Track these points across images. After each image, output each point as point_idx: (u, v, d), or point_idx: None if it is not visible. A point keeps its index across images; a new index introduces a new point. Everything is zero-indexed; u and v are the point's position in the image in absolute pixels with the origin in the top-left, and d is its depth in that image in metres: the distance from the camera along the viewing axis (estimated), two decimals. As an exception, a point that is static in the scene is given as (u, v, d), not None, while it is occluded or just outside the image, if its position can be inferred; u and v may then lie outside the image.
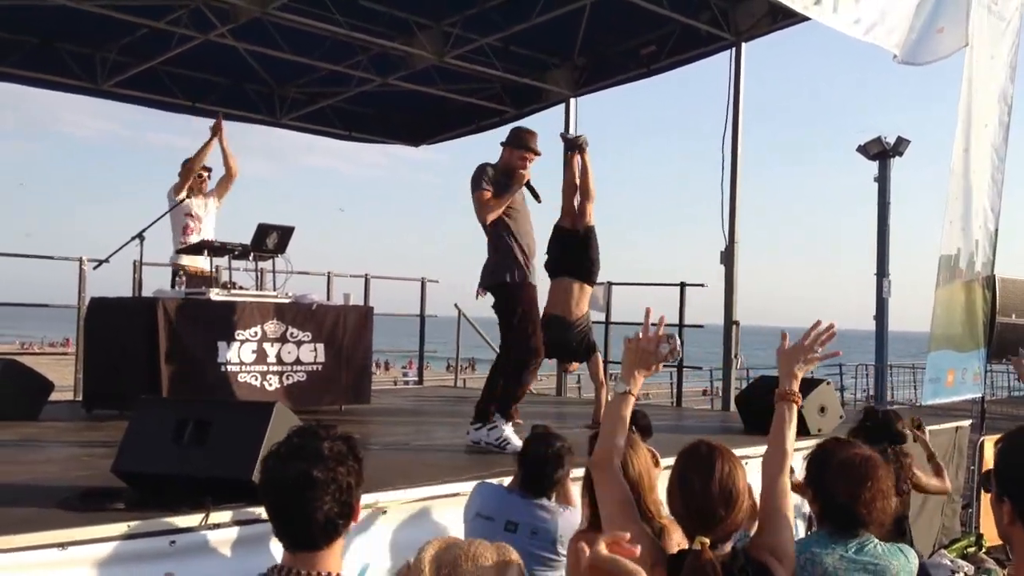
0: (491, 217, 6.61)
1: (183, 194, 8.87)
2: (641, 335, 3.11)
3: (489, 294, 6.75)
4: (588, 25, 11.02)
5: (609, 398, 6.09)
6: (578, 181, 8.24)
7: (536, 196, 6.95)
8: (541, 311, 7.15)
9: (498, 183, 6.67)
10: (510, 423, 6.56)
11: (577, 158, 8.28)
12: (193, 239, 8.73)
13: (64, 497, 4.28)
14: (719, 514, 2.75)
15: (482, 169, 6.68)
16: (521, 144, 6.82)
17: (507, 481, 4.70)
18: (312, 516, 2.32)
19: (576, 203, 8.25)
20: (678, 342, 3.16)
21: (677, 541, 3.25)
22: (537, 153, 6.89)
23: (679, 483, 2.83)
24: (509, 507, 4.28)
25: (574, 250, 8.18)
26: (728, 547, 2.77)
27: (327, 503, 2.32)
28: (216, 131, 9.12)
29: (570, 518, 4.22)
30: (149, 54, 11.17)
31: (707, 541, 2.67)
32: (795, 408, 3.16)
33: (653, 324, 3.13)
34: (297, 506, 2.33)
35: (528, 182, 6.78)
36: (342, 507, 2.35)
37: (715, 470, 2.79)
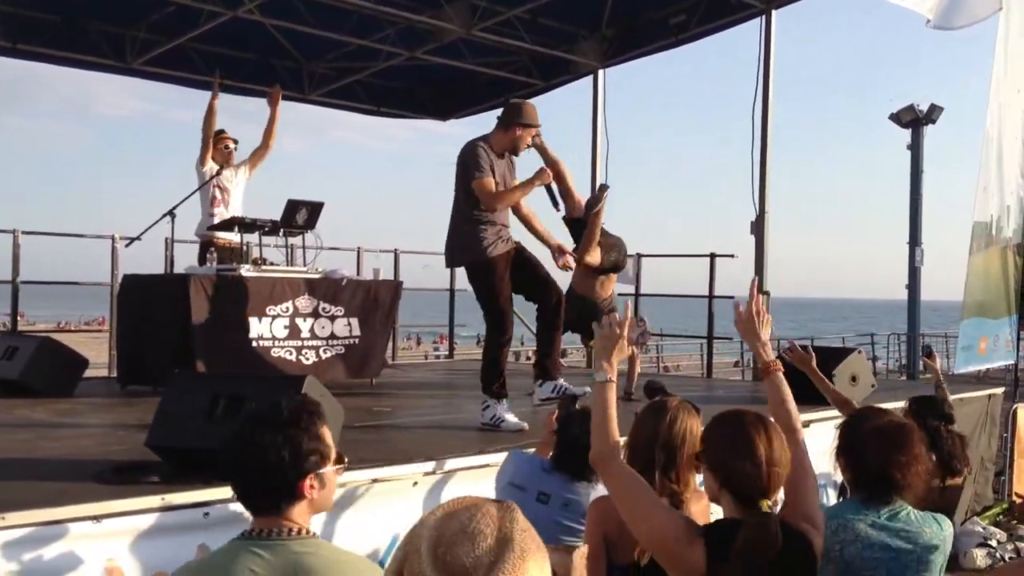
0: (499, 208, 6.49)
1: (208, 164, 8.84)
2: (617, 322, 3.06)
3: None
4: (616, -5, 10.94)
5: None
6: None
7: (556, 203, 6.80)
8: (565, 287, 7.11)
9: (496, 165, 6.50)
10: (504, 400, 6.48)
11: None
12: (220, 210, 8.75)
13: (99, 471, 4.34)
14: (781, 475, 2.76)
15: (477, 150, 6.44)
16: (531, 121, 6.61)
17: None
18: (266, 474, 2.40)
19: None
20: (647, 325, 3.18)
21: (697, 512, 3.26)
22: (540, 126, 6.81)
23: (740, 448, 2.76)
24: (542, 479, 4.26)
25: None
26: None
27: (280, 466, 2.39)
28: (274, 103, 9.19)
29: (601, 492, 4.22)
30: (177, 31, 11.19)
31: (771, 504, 2.68)
32: (780, 375, 3.17)
33: (619, 314, 3.11)
34: (252, 469, 2.41)
35: (549, 186, 6.68)
36: (294, 470, 2.41)
37: (771, 435, 2.79)
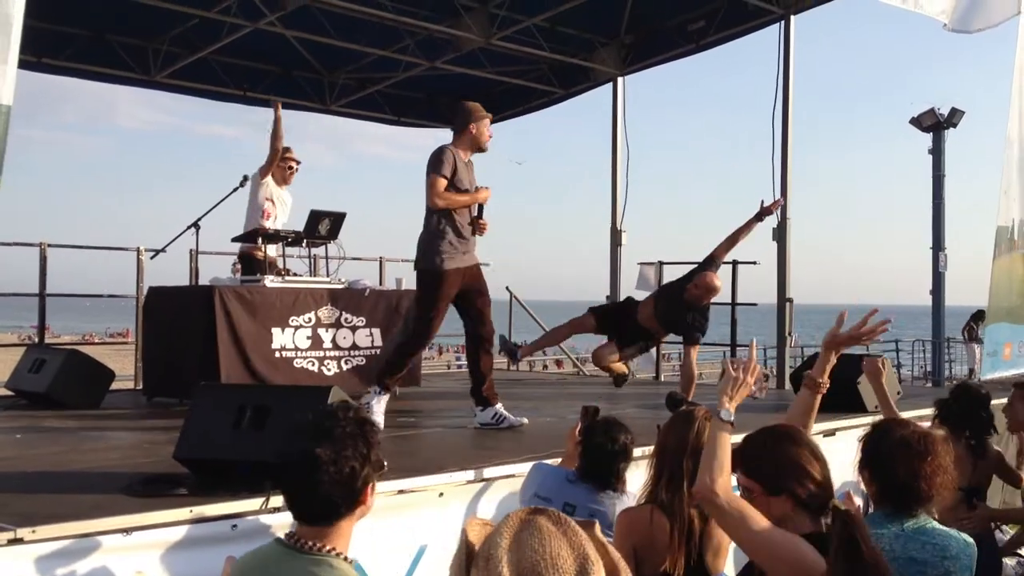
0: (440, 205, 6.61)
1: (268, 178, 8.86)
2: (745, 366, 3.03)
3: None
4: (634, 2, 10.97)
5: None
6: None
7: (478, 223, 6.84)
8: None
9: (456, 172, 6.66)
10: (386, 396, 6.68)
11: None
12: (268, 223, 8.76)
13: (127, 483, 4.37)
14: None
15: (443, 153, 6.64)
16: (480, 113, 6.78)
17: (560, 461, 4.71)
18: (313, 493, 2.40)
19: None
20: (771, 380, 3.21)
21: None
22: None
23: (804, 471, 2.84)
24: (567, 490, 4.26)
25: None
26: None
27: (325, 483, 2.39)
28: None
29: (627, 503, 4.22)
30: (200, 44, 11.28)
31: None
32: (819, 398, 3.26)
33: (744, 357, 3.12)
34: (299, 482, 2.42)
35: (481, 206, 6.83)
36: (343, 489, 2.42)
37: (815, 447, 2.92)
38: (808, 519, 2.79)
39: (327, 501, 2.42)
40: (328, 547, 2.44)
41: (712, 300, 8.13)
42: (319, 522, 2.44)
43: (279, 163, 8.97)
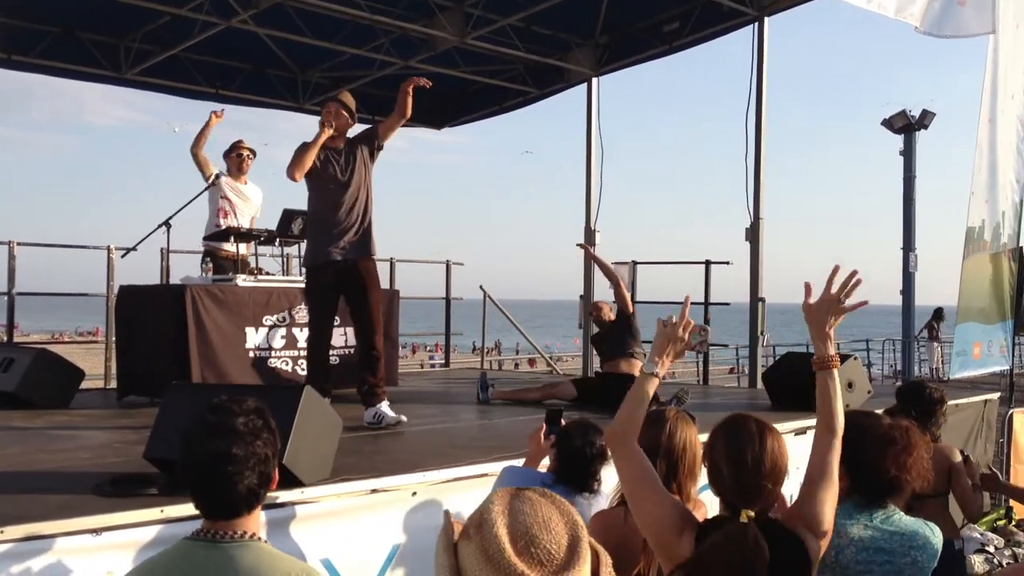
0: (293, 174, 6.65)
1: (212, 172, 8.79)
2: (677, 319, 3.04)
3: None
4: (609, 3, 10.99)
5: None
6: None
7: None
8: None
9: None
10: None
11: None
12: (225, 221, 8.73)
13: (97, 483, 4.33)
14: (766, 487, 2.75)
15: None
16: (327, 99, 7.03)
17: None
18: (234, 489, 2.43)
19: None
20: (709, 334, 3.15)
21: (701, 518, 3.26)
22: (340, 102, 7.00)
23: (728, 455, 2.80)
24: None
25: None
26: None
27: (247, 476, 2.43)
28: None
29: (601, 504, 4.21)
30: (172, 42, 11.22)
31: (752, 514, 2.68)
32: (835, 373, 3.00)
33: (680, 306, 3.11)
34: (219, 481, 2.42)
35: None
36: (261, 477, 2.47)
37: (766, 444, 2.79)
38: (703, 513, 2.90)
39: (248, 495, 2.45)
40: (249, 533, 2.45)
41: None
42: (236, 515, 2.46)
43: (233, 156, 8.96)
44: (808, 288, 3.05)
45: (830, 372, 3.01)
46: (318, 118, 6.90)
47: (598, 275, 12.61)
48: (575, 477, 4.11)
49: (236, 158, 8.99)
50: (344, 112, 6.87)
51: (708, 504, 3.61)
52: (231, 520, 2.45)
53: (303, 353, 8.08)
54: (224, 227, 8.57)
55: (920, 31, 7.98)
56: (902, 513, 3.31)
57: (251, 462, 2.44)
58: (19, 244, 9.70)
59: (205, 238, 8.64)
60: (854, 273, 3.03)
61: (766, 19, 10.64)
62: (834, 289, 3.00)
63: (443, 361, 16.07)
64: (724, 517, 2.77)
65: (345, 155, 6.85)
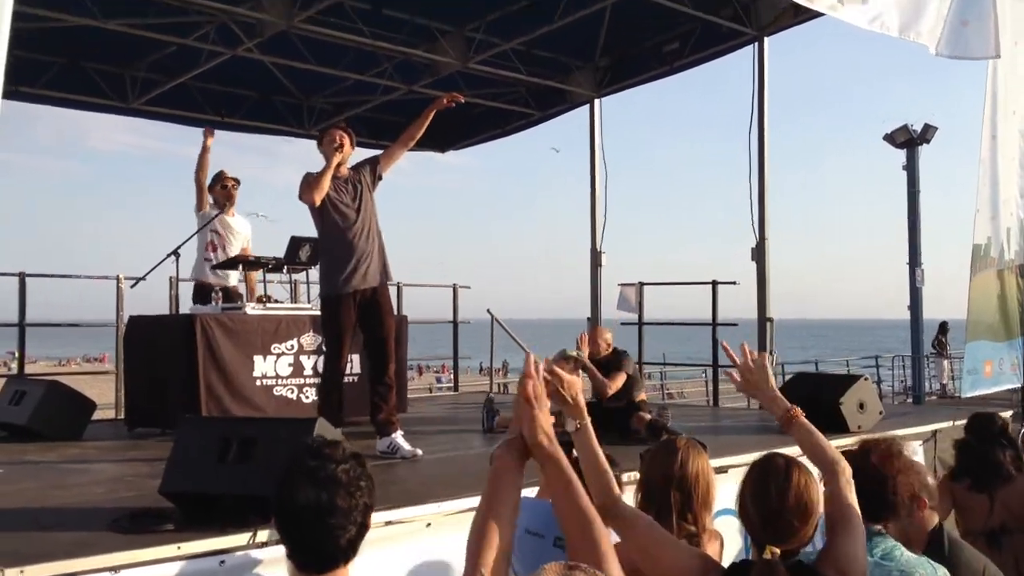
0: (314, 198, 6.62)
1: (206, 208, 8.73)
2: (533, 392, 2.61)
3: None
4: (610, 26, 11.03)
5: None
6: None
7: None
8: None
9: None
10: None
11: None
12: (215, 255, 8.68)
13: (114, 519, 4.33)
14: (793, 525, 2.76)
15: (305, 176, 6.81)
16: (326, 128, 7.04)
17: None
18: (336, 544, 2.34)
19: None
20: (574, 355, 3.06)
21: (711, 554, 3.25)
22: (343, 129, 7.01)
23: (754, 493, 2.82)
24: (558, 524, 4.21)
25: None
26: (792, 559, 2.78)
27: (349, 530, 2.35)
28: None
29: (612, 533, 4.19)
30: (178, 71, 11.29)
31: (778, 552, 2.68)
32: (802, 420, 3.12)
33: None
34: (321, 534, 2.34)
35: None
36: (360, 528, 2.39)
37: (791, 481, 2.80)
38: (717, 546, 3.01)
39: (347, 548, 2.37)
40: None
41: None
42: (332, 568, 2.38)
43: (218, 189, 8.83)
44: (730, 374, 3.32)
45: (798, 424, 3.11)
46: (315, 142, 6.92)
47: (605, 293, 12.65)
48: None
49: (222, 190, 8.85)
50: (347, 138, 6.88)
51: (724, 533, 3.61)
52: (324, 574, 2.37)
53: (308, 381, 8.10)
54: (214, 261, 8.54)
55: (932, 53, 7.97)
56: (903, 549, 3.29)
57: (353, 515, 2.35)
58: (28, 275, 9.74)
59: (213, 267, 8.62)
60: (742, 345, 3.33)
61: (766, 39, 10.70)
62: (741, 360, 3.24)
63: (450, 383, 16.09)
64: (751, 561, 2.77)
65: (351, 183, 6.86)
